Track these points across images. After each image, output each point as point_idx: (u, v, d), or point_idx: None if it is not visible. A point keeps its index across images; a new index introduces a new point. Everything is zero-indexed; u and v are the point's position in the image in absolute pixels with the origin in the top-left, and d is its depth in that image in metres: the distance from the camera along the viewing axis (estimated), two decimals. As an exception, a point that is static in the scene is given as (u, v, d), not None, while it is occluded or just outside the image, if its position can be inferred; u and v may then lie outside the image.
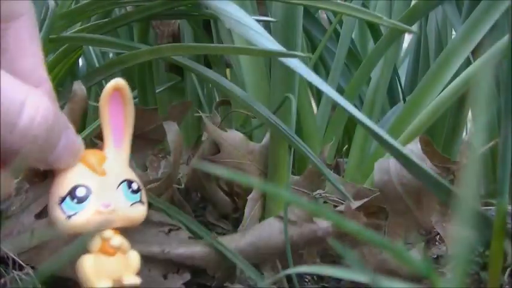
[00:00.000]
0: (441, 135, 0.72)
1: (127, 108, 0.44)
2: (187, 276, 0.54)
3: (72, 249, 0.33)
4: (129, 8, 0.68)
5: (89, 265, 0.41)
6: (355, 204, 0.56)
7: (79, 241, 0.38)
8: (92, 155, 0.42)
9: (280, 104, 0.57)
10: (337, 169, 0.72)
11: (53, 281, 0.51)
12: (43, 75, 0.41)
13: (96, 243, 0.41)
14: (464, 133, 0.78)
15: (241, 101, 0.54)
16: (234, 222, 0.68)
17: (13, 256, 0.49)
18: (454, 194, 0.42)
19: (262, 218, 0.61)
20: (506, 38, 0.55)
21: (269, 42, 0.43)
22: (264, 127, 0.65)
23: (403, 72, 0.91)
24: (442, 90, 0.61)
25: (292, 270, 0.50)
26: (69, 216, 0.40)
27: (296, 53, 0.43)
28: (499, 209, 0.39)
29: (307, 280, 0.58)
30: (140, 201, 0.43)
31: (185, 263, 0.54)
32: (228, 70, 0.85)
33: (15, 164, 0.35)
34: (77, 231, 0.41)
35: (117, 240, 0.41)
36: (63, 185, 0.41)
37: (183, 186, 0.70)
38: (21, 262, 0.49)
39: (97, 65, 0.82)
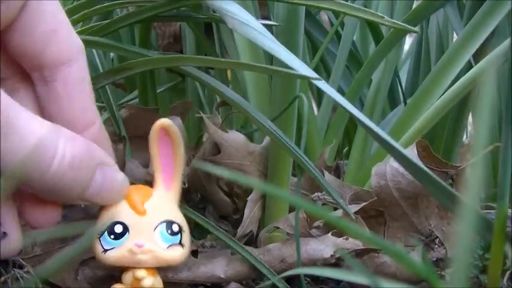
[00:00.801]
0: (441, 138, 0.72)
1: (176, 149, 0.44)
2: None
3: (69, 253, 0.33)
4: (130, 9, 0.68)
5: None
6: (353, 208, 0.56)
7: (75, 245, 0.39)
8: (137, 191, 0.43)
9: (280, 112, 0.57)
10: (337, 171, 0.72)
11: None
12: (92, 117, 0.41)
13: (128, 277, 0.43)
14: (464, 136, 0.78)
15: (242, 109, 0.54)
16: (234, 223, 0.68)
17: (15, 256, 0.49)
18: (455, 197, 0.42)
19: (261, 219, 0.61)
20: (507, 41, 0.55)
21: (272, 43, 0.43)
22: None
23: (403, 75, 0.91)
24: (443, 93, 0.61)
25: (292, 272, 0.50)
26: (105, 251, 0.42)
27: (304, 74, 0.43)
28: (500, 213, 0.39)
29: (306, 281, 0.58)
30: (180, 243, 0.43)
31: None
32: (228, 70, 0.85)
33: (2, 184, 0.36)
34: (111, 265, 0.43)
35: (149, 281, 0.43)
36: (104, 219, 0.43)
37: (186, 185, 0.70)
38: (21, 261, 0.49)
39: (99, 64, 0.82)
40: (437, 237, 0.57)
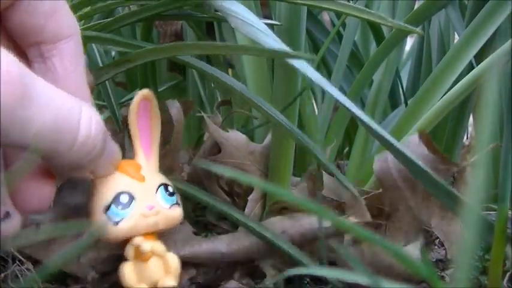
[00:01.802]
0: (442, 139, 0.72)
1: (154, 117, 0.45)
2: (192, 272, 0.55)
3: (79, 244, 0.33)
4: (132, 7, 0.68)
5: (128, 272, 0.43)
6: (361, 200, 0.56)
7: (86, 237, 0.39)
8: (128, 163, 0.44)
9: (282, 109, 0.57)
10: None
11: (53, 276, 0.52)
12: (86, 95, 0.41)
13: (130, 251, 0.43)
14: (465, 137, 0.78)
15: (243, 97, 0.54)
16: (234, 222, 0.68)
17: (13, 251, 0.49)
18: (455, 196, 0.42)
19: (262, 218, 0.61)
20: (509, 42, 0.55)
21: (275, 42, 0.43)
22: (266, 128, 0.65)
23: (405, 75, 0.91)
24: (444, 94, 0.61)
25: (292, 271, 0.50)
26: (117, 223, 0.42)
27: (301, 54, 0.43)
28: (500, 214, 0.39)
29: (306, 282, 0.58)
30: (177, 203, 0.44)
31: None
32: (230, 70, 0.85)
33: (24, 161, 0.35)
34: (125, 236, 0.43)
35: (148, 245, 0.43)
36: (106, 193, 0.43)
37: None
38: (21, 257, 0.49)
39: (100, 62, 0.82)
40: (436, 238, 0.57)
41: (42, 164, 0.39)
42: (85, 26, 0.58)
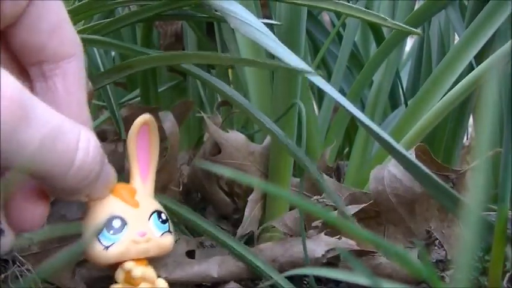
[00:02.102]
0: (442, 140, 0.72)
1: (153, 142, 0.45)
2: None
3: (67, 254, 0.33)
4: (132, 8, 0.68)
5: None
6: (353, 210, 0.56)
7: (73, 246, 0.38)
8: (122, 187, 0.44)
9: (283, 113, 0.57)
10: (337, 172, 0.72)
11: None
12: (86, 116, 0.41)
13: (120, 274, 0.43)
14: (465, 138, 0.78)
15: (242, 108, 0.54)
16: (234, 223, 0.68)
17: (13, 253, 0.49)
18: (456, 198, 0.42)
19: (262, 219, 0.61)
20: (509, 43, 0.55)
21: (274, 43, 0.43)
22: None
23: (405, 76, 0.91)
24: (444, 95, 0.61)
25: (291, 272, 0.49)
26: (107, 247, 0.41)
27: (302, 69, 0.43)
28: (500, 215, 0.39)
29: (305, 282, 0.58)
30: (169, 231, 0.44)
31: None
32: (230, 70, 0.85)
33: (10, 178, 0.35)
34: (115, 261, 0.42)
35: (138, 270, 0.42)
36: (98, 216, 0.42)
37: (180, 188, 0.70)
38: (21, 258, 0.49)
39: (100, 62, 0.82)
40: (436, 239, 0.57)
41: (37, 184, 0.38)
42: (85, 26, 0.58)
